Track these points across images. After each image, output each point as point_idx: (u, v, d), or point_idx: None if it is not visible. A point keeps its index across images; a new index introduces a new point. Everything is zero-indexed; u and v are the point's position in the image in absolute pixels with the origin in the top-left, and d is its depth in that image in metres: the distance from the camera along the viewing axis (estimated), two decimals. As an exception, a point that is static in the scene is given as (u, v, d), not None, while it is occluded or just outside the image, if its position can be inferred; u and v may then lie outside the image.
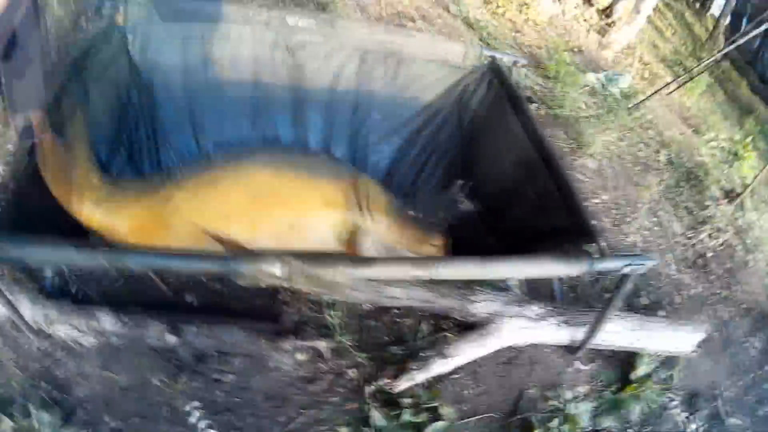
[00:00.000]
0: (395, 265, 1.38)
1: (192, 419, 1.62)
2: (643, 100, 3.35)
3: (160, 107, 1.97)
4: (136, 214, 1.65)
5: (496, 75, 2.01)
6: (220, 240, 1.62)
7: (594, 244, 1.42)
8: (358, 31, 2.03)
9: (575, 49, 3.79)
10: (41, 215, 1.47)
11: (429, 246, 1.76)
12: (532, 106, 3.06)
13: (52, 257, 1.31)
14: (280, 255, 1.27)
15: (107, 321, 1.64)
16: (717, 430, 1.89)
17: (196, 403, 1.66)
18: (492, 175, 1.92)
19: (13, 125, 1.85)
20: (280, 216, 1.70)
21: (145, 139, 1.97)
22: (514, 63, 2.07)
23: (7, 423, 1.49)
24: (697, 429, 1.86)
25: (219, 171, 1.77)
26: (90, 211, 1.58)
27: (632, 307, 2.18)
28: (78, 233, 1.57)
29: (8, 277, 1.72)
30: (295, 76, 2.03)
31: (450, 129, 2.13)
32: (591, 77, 3.48)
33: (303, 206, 1.72)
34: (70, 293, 1.77)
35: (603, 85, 3.46)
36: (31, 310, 1.61)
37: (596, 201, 2.66)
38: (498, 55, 2.08)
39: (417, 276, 1.37)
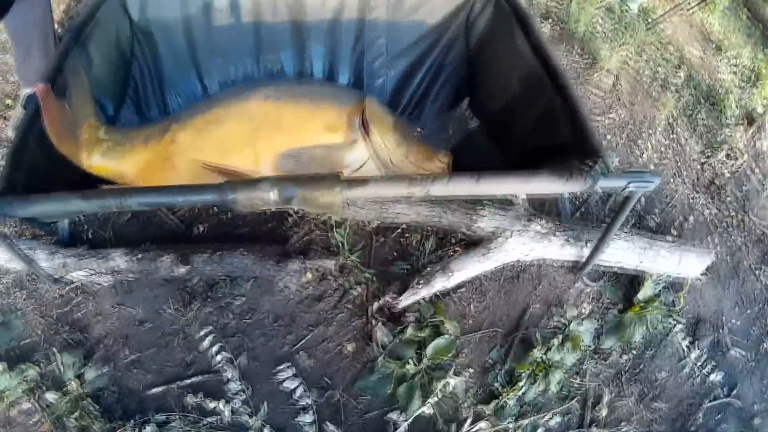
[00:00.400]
0: (389, 183, 1.35)
1: (205, 343, 1.71)
2: (662, 15, 3.14)
3: (164, 59, 1.99)
4: (144, 158, 1.68)
5: None
6: (223, 173, 1.63)
7: (599, 161, 1.36)
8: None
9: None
10: (51, 174, 1.55)
11: (437, 162, 1.73)
12: (546, 23, 2.90)
13: (63, 209, 1.39)
14: (275, 180, 1.28)
15: (121, 260, 1.72)
16: (718, 360, 1.86)
17: (209, 328, 1.74)
18: (498, 92, 1.85)
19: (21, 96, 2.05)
20: (282, 144, 1.68)
21: (150, 90, 1.99)
22: None
23: (34, 369, 1.61)
24: (698, 357, 1.84)
25: (220, 108, 1.75)
26: (99, 162, 1.64)
27: (641, 227, 2.13)
28: (89, 184, 1.63)
29: (28, 234, 1.85)
30: (296, 9, 1.96)
31: (457, 50, 2.04)
32: (608, -7, 3.26)
33: (304, 133, 1.69)
34: (84, 239, 1.85)
35: (620, 0, 3.25)
36: (49, 261, 1.69)
37: (612, 116, 2.56)
38: None
39: (412, 194, 1.34)
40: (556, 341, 1.73)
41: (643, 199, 2.24)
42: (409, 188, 1.32)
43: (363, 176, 1.43)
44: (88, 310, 1.75)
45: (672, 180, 2.38)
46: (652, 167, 2.43)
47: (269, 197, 1.28)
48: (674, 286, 1.95)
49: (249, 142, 1.68)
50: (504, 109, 1.83)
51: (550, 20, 2.96)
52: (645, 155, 2.49)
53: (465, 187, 1.34)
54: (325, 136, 1.70)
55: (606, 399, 1.74)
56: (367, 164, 1.71)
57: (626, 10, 3.23)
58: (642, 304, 1.85)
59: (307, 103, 1.74)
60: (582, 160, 1.38)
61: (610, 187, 1.40)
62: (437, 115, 2.04)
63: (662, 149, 2.56)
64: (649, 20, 3.18)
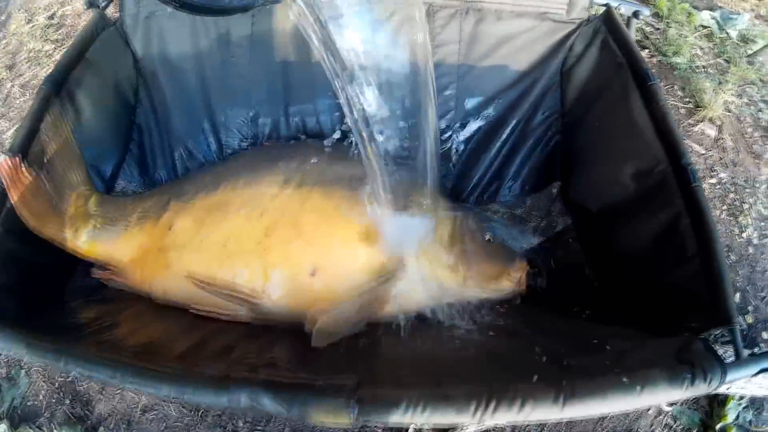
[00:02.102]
0: (425, 407, 0.81)
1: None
2: (765, 47, 2.47)
3: (171, 105, 1.51)
4: (139, 242, 1.26)
5: (612, 33, 1.37)
6: (218, 294, 1.16)
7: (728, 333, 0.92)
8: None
9: (687, -18, 2.87)
10: (31, 264, 1.17)
11: (506, 280, 1.22)
12: (644, 53, 2.27)
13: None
14: (249, 391, 0.81)
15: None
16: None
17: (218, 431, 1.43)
18: (601, 183, 1.31)
19: None
20: (300, 258, 1.16)
21: (158, 144, 1.53)
22: (634, 14, 1.39)
23: None
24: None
25: (228, 188, 1.27)
26: (87, 243, 1.24)
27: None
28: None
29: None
30: (334, 50, 1.41)
31: (549, 107, 1.51)
32: (706, 15, 2.60)
33: (331, 240, 1.18)
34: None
35: (719, 25, 2.57)
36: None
37: (712, 181, 1.99)
38: (614, 3, 1.43)
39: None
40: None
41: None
42: (457, 416, 0.80)
43: (388, 394, 0.83)
44: (91, 385, 1.53)
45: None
46: (751, 250, 1.89)
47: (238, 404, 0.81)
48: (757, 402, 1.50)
49: (257, 248, 1.17)
50: (607, 211, 1.30)
51: (647, 50, 2.39)
52: (745, 233, 1.94)
53: (542, 412, 0.80)
54: (361, 253, 1.18)
55: None
56: (415, 288, 1.20)
57: (726, 39, 2.55)
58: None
59: (342, 195, 1.22)
60: (706, 328, 0.95)
61: (737, 378, 0.88)
62: (514, 203, 1.49)
63: (762, 224, 1.98)
64: (750, 52, 2.49)
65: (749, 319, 1.72)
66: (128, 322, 1.14)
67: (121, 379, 0.84)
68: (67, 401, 1.49)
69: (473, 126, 1.50)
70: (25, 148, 1.15)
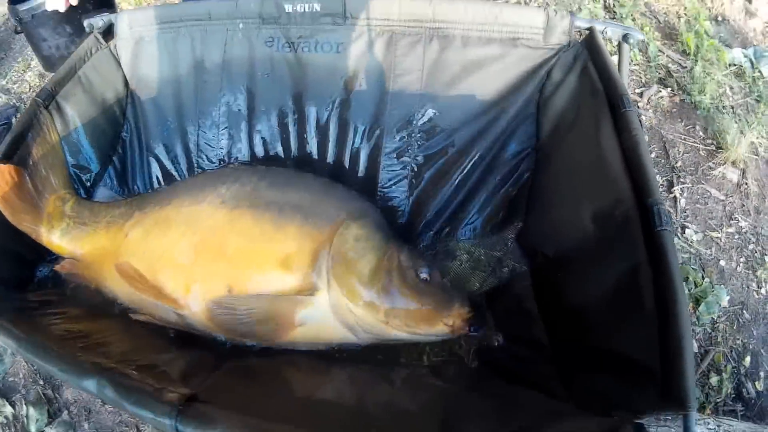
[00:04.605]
0: None
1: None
2: None
3: (152, 124, 1.44)
4: (101, 245, 1.23)
5: (594, 59, 1.12)
6: (147, 293, 1.12)
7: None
8: (380, 6, 1.23)
9: (718, 18, 2.47)
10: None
11: (439, 325, 1.00)
12: (663, 91, 1.93)
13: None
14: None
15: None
16: None
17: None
18: (560, 224, 1.06)
19: None
20: (221, 278, 1.08)
21: (138, 159, 1.47)
22: (624, 38, 1.07)
23: (8, 409, 1.46)
24: None
25: (173, 206, 1.23)
26: (57, 241, 1.24)
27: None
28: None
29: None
30: (299, 75, 1.32)
31: (521, 140, 1.25)
32: (738, 53, 2.21)
33: (252, 266, 1.09)
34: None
35: (752, 64, 2.16)
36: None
37: (731, 230, 1.63)
38: (599, 26, 1.17)
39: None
40: None
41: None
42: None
43: (212, 414, 0.77)
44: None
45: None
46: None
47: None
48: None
49: (184, 263, 1.12)
50: (564, 258, 1.05)
51: (669, 88, 2.06)
52: (764, 288, 1.58)
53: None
54: (276, 277, 1.06)
55: None
56: (326, 319, 1.05)
57: (759, 77, 2.14)
58: None
59: (270, 219, 1.11)
60: (651, 409, 0.70)
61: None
62: (475, 242, 1.25)
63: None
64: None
65: (759, 386, 1.35)
66: (74, 314, 1.15)
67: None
68: (41, 382, 1.50)
69: (433, 156, 1.27)
70: (13, 151, 1.18)
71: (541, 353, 0.98)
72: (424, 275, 1.04)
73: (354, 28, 1.25)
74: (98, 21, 1.40)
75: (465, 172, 1.25)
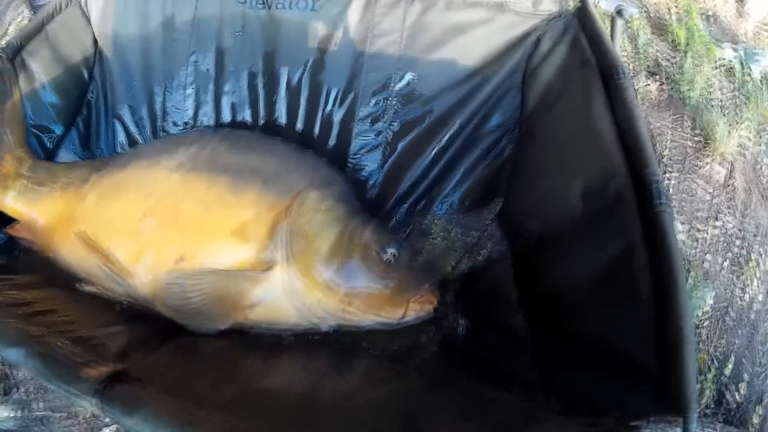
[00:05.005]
0: None
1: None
2: None
3: (118, 85, 1.33)
4: (57, 209, 1.13)
5: (586, 30, 1.02)
6: (99, 256, 1.01)
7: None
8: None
9: (709, 15, 2.41)
10: None
11: (402, 309, 0.90)
12: (652, 82, 1.86)
13: None
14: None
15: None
16: None
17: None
18: (545, 199, 0.96)
19: None
20: (172, 247, 0.97)
21: (103, 120, 1.35)
22: (618, 10, 1.05)
23: None
24: None
25: (131, 169, 1.12)
26: (11, 202, 1.15)
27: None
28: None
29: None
30: (272, 34, 1.20)
31: (505, 112, 1.14)
32: (728, 51, 2.15)
33: (202, 230, 0.97)
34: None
35: (742, 62, 2.11)
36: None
37: (717, 225, 1.55)
38: None
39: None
40: None
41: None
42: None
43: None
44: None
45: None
46: (754, 310, 1.43)
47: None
48: None
49: (133, 229, 1.02)
50: (549, 236, 0.94)
51: (658, 78, 1.96)
52: (749, 292, 1.47)
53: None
54: (230, 248, 0.95)
55: None
56: (281, 300, 0.94)
57: (749, 74, 2.08)
58: None
59: (226, 183, 1.00)
60: (644, 414, 0.57)
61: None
62: (451, 219, 1.13)
63: (769, 284, 1.64)
64: (771, 92, 2.03)
65: (742, 389, 1.27)
66: (23, 281, 1.04)
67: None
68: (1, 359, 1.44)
69: (410, 124, 1.17)
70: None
71: (520, 344, 0.88)
72: (390, 254, 0.93)
73: (331, -15, 1.19)
74: None
75: (443, 142, 1.15)
